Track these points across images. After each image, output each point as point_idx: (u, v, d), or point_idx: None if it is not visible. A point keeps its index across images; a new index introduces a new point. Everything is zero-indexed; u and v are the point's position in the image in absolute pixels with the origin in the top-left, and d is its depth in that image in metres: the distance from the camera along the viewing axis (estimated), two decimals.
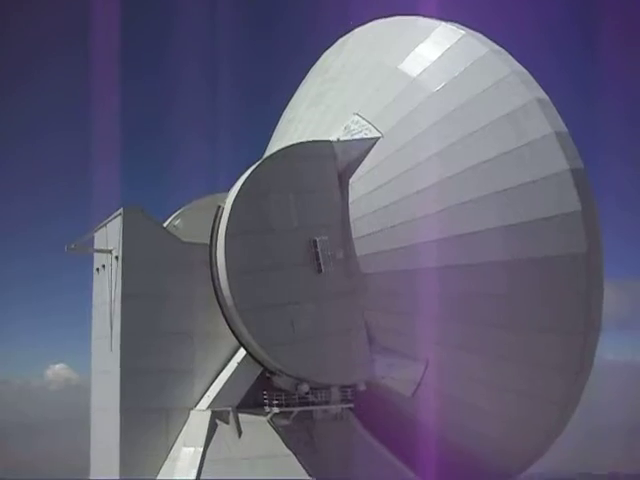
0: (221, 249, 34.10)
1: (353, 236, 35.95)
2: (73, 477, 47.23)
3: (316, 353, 34.27)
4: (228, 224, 33.85)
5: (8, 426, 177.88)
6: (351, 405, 36.90)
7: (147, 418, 34.59)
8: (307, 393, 35.41)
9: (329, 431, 36.45)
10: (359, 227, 36.07)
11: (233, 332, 35.36)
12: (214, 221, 35.61)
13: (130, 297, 35.33)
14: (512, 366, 34.74)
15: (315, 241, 34.75)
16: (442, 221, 35.47)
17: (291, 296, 34.02)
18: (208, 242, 35.45)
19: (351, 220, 36.19)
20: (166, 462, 34.60)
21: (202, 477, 33.32)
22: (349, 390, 36.55)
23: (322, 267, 34.43)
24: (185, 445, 34.63)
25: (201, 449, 33.65)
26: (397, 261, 35.09)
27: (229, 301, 34.24)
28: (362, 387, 36.18)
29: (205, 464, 33.16)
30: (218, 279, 34.80)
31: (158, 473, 34.62)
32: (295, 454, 35.03)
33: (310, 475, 35.53)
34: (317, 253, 34.62)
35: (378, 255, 35.62)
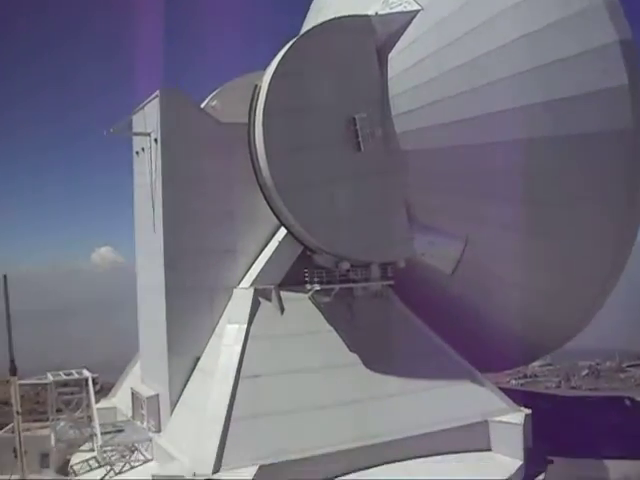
0: (259, 128, 41.74)
1: (392, 113, 43.61)
2: (122, 357, 59.91)
3: (356, 231, 42.58)
4: (265, 103, 41.28)
5: (59, 308, 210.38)
6: (391, 282, 45.89)
7: (192, 297, 44.11)
8: (347, 270, 44.43)
9: (369, 308, 45.52)
10: (398, 104, 43.52)
11: (273, 211, 43.75)
12: (251, 100, 43.01)
13: (170, 179, 43.98)
14: (554, 241, 43.30)
15: (354, 118, 42.59)
16: (484, 96, 41.71)
17: (330, 174, 42.16)
18: (246, 122, 43.25)
19: (390, 96, 43.66)
20: (211, 339, 44.65)
21: (246, 353, 42.71)
22: (389, 267, 45.42)
23: (361, 145, 42.52)
24: (229, 322, 44.00)
25: (245, 326, 43.01)
26: (437, 138, 42.67)
27: (268, 180, 42.28)
28: (402, 264, 44.87)
29: (249, 340, 42.41)
30: (257, 159, 42.76)
31: (204, 350, 44.72)
32: (336, 330, 44.51)
33: (350, 350, 46.89)
34: (356, 131, 42.62)
35: (418, 132, 43.12)
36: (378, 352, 44.96)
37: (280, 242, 45.69)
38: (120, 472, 45.05)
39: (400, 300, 47.65)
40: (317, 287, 44.67)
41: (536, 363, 79.73)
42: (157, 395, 46.80)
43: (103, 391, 63.63)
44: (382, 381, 44.20)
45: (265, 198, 44.30)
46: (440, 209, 44.82)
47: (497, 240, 44.15)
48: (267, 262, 45.53)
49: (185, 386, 44.98)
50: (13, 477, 43.31)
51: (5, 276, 42.86)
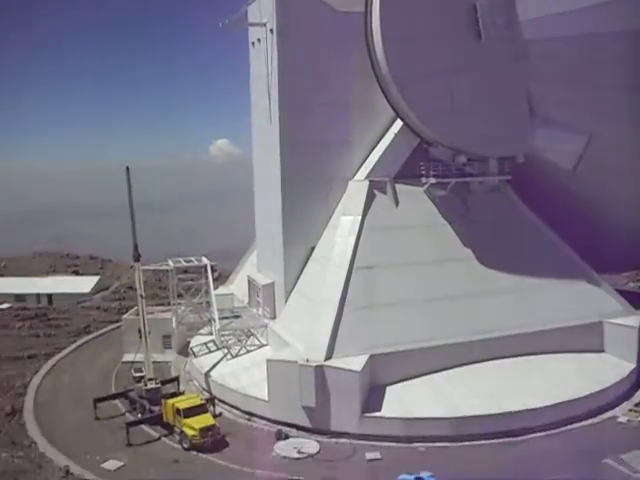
0: (376, 17, 45.10)
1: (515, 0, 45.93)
2: (239, 246, 68.52)
3: (474, 123, 45.89)
4: None
5: (178, 199, 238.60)
6: (508, 177, 49.42)
7: (307, 188, 49.28)
8: (464, 164, 48.17)
9: (485, 202, 49.43)
10: None
11: (390, 103, 47.31)
12: None
13: (286, 69, 48.28)
14: None
15: (475, 6, 45.69)
16: None
17: (449, 64, 45.40)
18: (362, 10, 46.63)
19: None
20: (326, 230, 50.06)
21: (360, 244, 47.34)
22: (507, 162, 48.80)
23: (482, 34, 45.61)
24: (344, 214, 49.02)
25: (359, 217, 47.99)
26: (561, 25, 45.14)
27: (385, 70, 45.77)
28: (520, 159, 48.00)
29: (363, 232, 47.44)
30: (374, 49, 46.17)
31: (319, 240, 50.46)
32: (450, 224, 48.95)
33: (464, 245, 49.22)
34: (477, 19, 45.69)
35: (541, 20, 45.61)
36: (493, 247, 49.18)
37: (396, 134, 49.77)
38: (236, 355, 52.92)
39: (517, 196, 51.47)
40: (432, 180, 48.89)
41: None
42: (272, 283, 53.24)
43: (221, 278, 72.69)
44: (496, 277, 48.60)
45: (382, 89, 47.89)
46: (563, 101, 47.33)
47: (619, 133, 47.06)
48: (383, 154, 49.98)
49: (300, 275, 51.08)
50: (138, 356, 53.00)
51: (128, 168, 49.45)
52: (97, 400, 47.37)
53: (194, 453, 40.51)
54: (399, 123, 49.47)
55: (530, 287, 48.53)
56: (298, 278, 51.13)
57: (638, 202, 47.86)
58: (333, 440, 41.38)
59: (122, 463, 39.69)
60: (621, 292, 52.47)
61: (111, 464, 39.55)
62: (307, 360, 42.01)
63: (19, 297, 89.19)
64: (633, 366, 46.92)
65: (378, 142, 50.91)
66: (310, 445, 40.50)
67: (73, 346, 65.56)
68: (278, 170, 50.22)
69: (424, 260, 47.86)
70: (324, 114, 49.27)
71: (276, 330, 50.47)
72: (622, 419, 42.45)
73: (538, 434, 40.60)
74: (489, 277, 48.46)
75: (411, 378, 43.71)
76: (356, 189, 49.85)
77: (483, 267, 48.76)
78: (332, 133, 49.67)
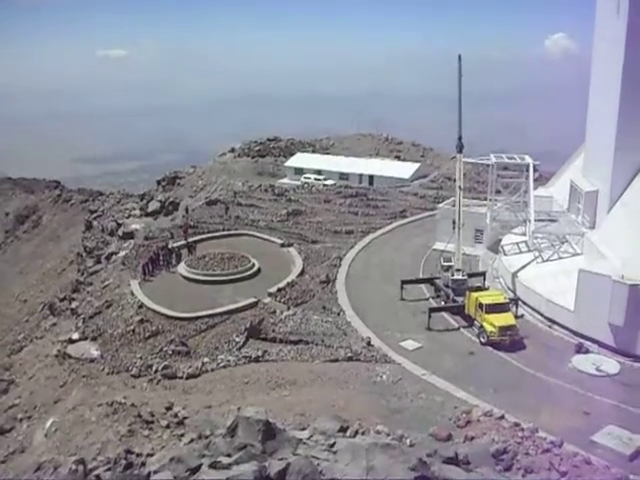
0: None
1: None
2: (566, 147, 66.87)
3: None
4: None
5: (509, 93, 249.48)
6: None
7: None
8: None
9: None
10: None
11: None
12: None
13: None
14: None
15: None
16: None
17: None
18: None
19: None
20: None
21: None
22: None
23: None
24: None
25: None
26: None
27: None
28: None
29: None
30: None
31: None
32: None
33: None
34: None
35: None
36: None
37: None
38: (547, 260, 53.02)
39: None
40: None
41: None
42: (597, 191, 51.27)
43: (541, 179, 71.26)
44: None
45: None
46: None
47: None
48: None
49: (628, 186, 48.48)
50: (449, 246, 54.57)
51: (460, 56, 50.39)
52: (404, 282, 49.90)
53: (490, 349, 41.49)
54: None
55: None
56: (626, 188, 48.54)
57: None
58: (637, 364, 39.90)
59: (420, 345, 41.98)
60: None
61: (409, 344, 41.99)
62: (622, 277, 40.23)
63: (343, 175, 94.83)
64: None
65: None
66: (610, 364, 39.53)
67: (388, 227, 68.86)
68: (620, 68, 47.17)
69: None
70: None
71: (593, 240, 48.95)
72: None
73: None
74: None
75: None
76: None
77: None
78: None
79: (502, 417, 31.88)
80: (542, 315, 46.06)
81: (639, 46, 45.97)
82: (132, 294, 52.23)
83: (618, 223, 47.63)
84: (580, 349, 41.21)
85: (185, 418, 32.21)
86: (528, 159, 55.73)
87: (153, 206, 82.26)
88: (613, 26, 48.42)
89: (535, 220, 53.56)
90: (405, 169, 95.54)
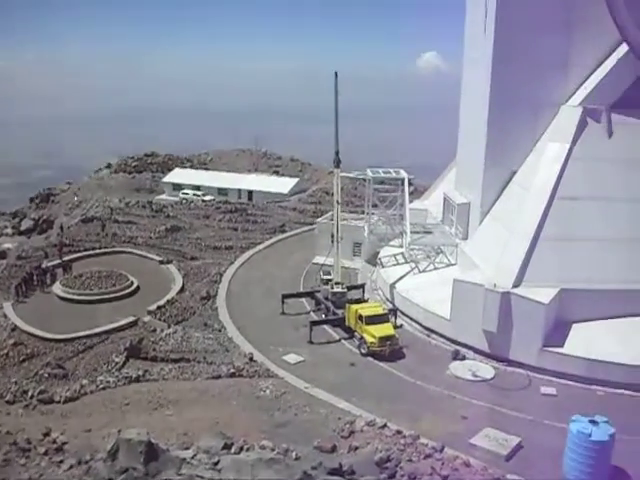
0: None
1: None
2: (438, 161, 69.31)
3: None
4: None
5: (380, 109, 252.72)
6: None
7: (516, 109, 48.07)
8: None
9: None
10: None
11: (617, 25, 44.47)
12: None
13: None
14: None
15: None
16: None
17: None
18: None
19: None
20: (531, 154, 49.07)
21: (565, 173, 45.45)
22: None
23: None
24: (552, 140, 47.40)
25: (568, 145, 46.15)
26: None
27: None
28: None
29: (570, 161, 45.72)
30: None
31: (521, 164, 49.48)
32: None
33: None
34: None
35: None
36: None
37: (619, 60, 47.04)
38: (423, 271, 53.55)
39: None
40: None
41: None
42: (469, 203, 53.25)
43: (417, 193, 73.37)
44: None
45: (609, 9, 45.13)
46: None
47: None
48: (601, 80, 47.36)
49: (497, 198, 50.64)
50: (328, 259, 55.21)
51: (336, 73, 49.93)
52: (285, 296, 50.08)
53: (371, 359, 42.21)
54: (624, 48, 46.59)
55: None
56: (495, 201, 50.78)
57: None
58: (509, 369, 41.47)
59: (302, 358, 42.16)
60: None
61: (292, 357, 42.11)
62: (494, 285, 41.87)
63: (222, 191, 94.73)
64: None
65: (598, 67, 48.24)
66: (485, 369, 40.95)
67: (268, 242, 69.04)
68: (487, 87, 49.39)
69: (633, 198, 45.18)
70: (542, 31, 47.29)
71: (466, 251, 50.79)
72: None
73: None
74: None
75: (599, 319, 42.34)
76: (568, 115, 47.87)
77: None
78: (549, 52, 47.65)
79: (384, 426, 32.43)
80: (420, 324, 47.14)
81: (505, 65, 48.39)
82: (5, 316, 50.12)
83: (489, 234, 49.57)
84: (457, 356, 42.43)
85: (64, 443, 31.02)
86: (403, 173, 57.20)
87: (26, 224, 79.59)
88: (481, 46, 50.67)
89: (411, 232, 55.02)
90: (284, 184, 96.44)
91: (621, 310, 42.61)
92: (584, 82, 48.56)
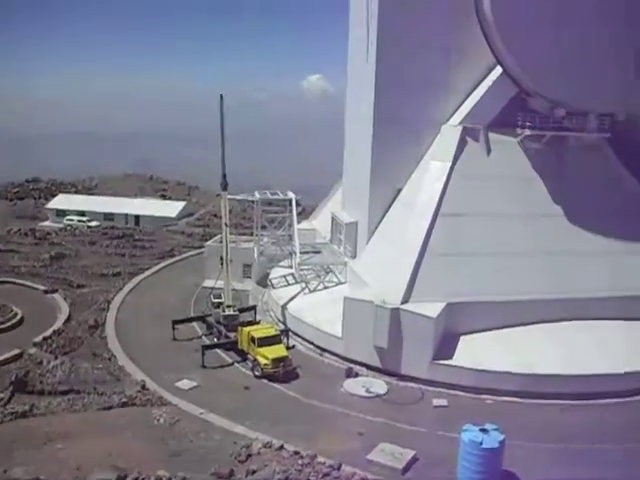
0: None
1: None
2: (325, 182, 69.86)
3: (577, 77, 44.84)
4: None
5: (268, 131, 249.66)
6: (607, 135, 48.45)
7: (399, 129, 49.27)
8: (562, 118, 47.24)
9: (581, 159, 48.53)
10: None
11: (491, 49, 46.68)
12: None
13: (388, 6, 48.22)
14: None
15: None
16: None
17: (556, 15, 44.26)
18: None
19: None
20: (414, 173, 50.32)
21: (448, 190, 47.10)
22: (607, 119, 47.65)
23: None
24: (434, 159, 48.94)
25: (449, 164, 47.81)
26: None
27: (489, 17, 45.14)
28: (621, 117, 47.13)
29: (452, 178, 47.35)
30: None
31: (406, 182, 50.68)
32: (542, 178, 48.19)
33: (555, 201, 47.65)
34: None
35: None
36: (585, 207, 48.37)
37: (494, 82, 49.09)
38: (314, 290, 53.90)
39: (615, 155, 50.39)
40: (528, 132, 48.08)
41: None
42: (356, 222, 53.95)
43: (305, 213, 73.83)
44: (585, 237, 47.90)
45: (484, 35, 47.27)
46: None
47: None
48: (479, 101, 49.36)
49: (384, 216, 51.64)
50: (218, 282, 54.62)
51: (222, 96, 49.69)
52: (176, 322, 49.29)
53: (265, 381, 41.95)
54: (499, 70, 48.75)
55: (617, 251, 47.77)
56: (382, 219, 51.72)
57: None
58: (402, 383, 42.16)
59: (195, 384, 41.47)
60: None
61: (185, 383, 41.38)
62: (384, 301, 42.48)
63: (108, 216, 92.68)
64: None
65: (475, 88, 50.41)
66: (379, 385, 41.42)
67: (157, 267, 67.83)
68: (371, 108, 50.43)
69: (511, 213, 47.35)
70: (422, 55, 48.92)
71: (355, 269, 51.26)
72: None
73: (610, 400, 40.42)
74: (578, 237, 47.73)
75: (486, 330, 43.84)
76: (448, 134, 49.49)
77: (572, 226, 47.98)
78: (429, 75, 49.32)
79: (282, 447, 32.34)
80: (313, 344, 47.37)
81: (388, 87, 49.77)
82: None
83: (377, 252, 50.29)
84: (350, 373, 42.78)
85: None
86: (291, 194, 57.57)
87: None
88: (363, 70, 51.84)
89: (300, 252, 55.36)
90: (171, 208, 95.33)
91: (507, 320, 44.31)
92: (463, 102, 50.60)
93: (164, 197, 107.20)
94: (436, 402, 39.73)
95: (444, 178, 48.10)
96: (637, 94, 46.81)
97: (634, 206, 49.45)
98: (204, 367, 43.83)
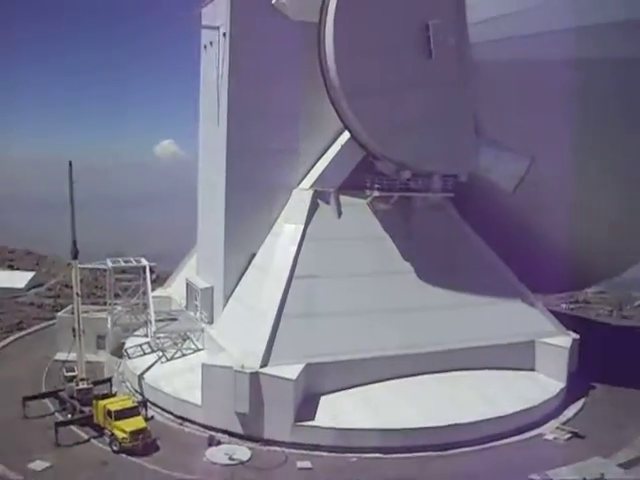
0: (330, 27, 45.93)
1: (468, 21, 47.50)
2: (180, 248, 68.74)
3: (421, 140, 46.92)
4: (338, 2, 45.51)
5: (120, 198, 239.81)
6: (451, 195, 50.78)
7: (251, 194, 49.89)
8: (408, 179, 49.21)
9: (427, 218, 50.68)
10: (475, 13, 47.44)
11: (338, 115, 48.28)
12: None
13: (237, 73, 48.90)
14: (616, 163, 48.65)
15: (427, 24, 46.58)
16: (563, 10, 46.01)
17: (399, 81, 46.29)
18: (317, 21, 47.46)
19: (467, 4, 47.53)
20: (268, 237, 50.76)
21: (301, 253, 47.92)
22: (450, 180, 50.04)
23: (433, 52, 46.58)
24: (287, 222, 49.73)
25: (302, 227, 48.78)
26: (512, 51, 46.46)
27: (335, 83, 46.54)
28: (463, 178, 49.37)
29: (305, 241, 48.33)
30: (325, 60, 47.02)
31: (260, 247, 51.00)
32: (392, 238, 50.06)
33: (404, 259, 49.73)
34: (428, 37, 46.61)
35: (492, 43, 46.80)
36: (432, 263, 50.48)
37: (343, 146, 50.82)
38: (171, 358, 53.07)
39: (458, 214, 52.98)
40: (376, 193, 49.84)
41: (589, 290, 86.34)
42: (211, 287, 53.56)
43: (159, 280, 72.44)
44: (433, 292, 49.84)
45: (331, 101, 48.90)
46: (509, 124, 48.74)
47: (561, 159, 48.62)
48: (328, 165, 50.89)
49: (239, 281, 51.57)
50: (71, 355, 52.52)
51: (70, 162, 48.58)
52: (26, 398, 46.74)
53: (124, 456, 40.35)
54: (346, 135, 50.42)
55: (466, 304, 49.87)
56: (237, 284, 51.62)
57: (574, 228, 49.11)
58: (265, 448, 41.63)
59: (49, 464, 39.28)
60: (554, 313, 54.31)
61: (38, 464, 39.12)
62: (242, 366, 42.26)
63: None
64: (562, 385, 48.68)
65: (325, 152, 51.96)
66: (242, 452, 40.80)
67: (4, 342, 64.40)
68: (223, 174, 50.74)
69: (364, 272, 48.64)
70: (272, 121, 50.18)
71: (212, 335, 50.74)
72: (549, 437, 43.60)
73: (467, 448, 41.65)
74: (427, 292, 49.60)
75: (346, 389, 44.45)
76: (300, 198, 50.54)
77: (421, 282, 49.85)
78: (279, 140, 50.46)
79: None
80: (172, 414, 46.22)
81: (238, 155, 50.63)
82: None
83: (234, 316, 50.12)
84: (212, 442, 42.01)
85: None
86: (144, 261, 56.60)
87: None
88: (215, 136, 52.35)
89: (156, 320, 54.11)
90: (19, 278, 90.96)
91: (365, 378, 45.26)
92: (314, 166, 52.05)
93: (11, 267, 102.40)
94: (300, 464, 39.55)
95: (297, 241, 48.92)
96: (476, 156, 49.35)
97: (478, 261, 52.17)
98: (58, 445, 41.63)
